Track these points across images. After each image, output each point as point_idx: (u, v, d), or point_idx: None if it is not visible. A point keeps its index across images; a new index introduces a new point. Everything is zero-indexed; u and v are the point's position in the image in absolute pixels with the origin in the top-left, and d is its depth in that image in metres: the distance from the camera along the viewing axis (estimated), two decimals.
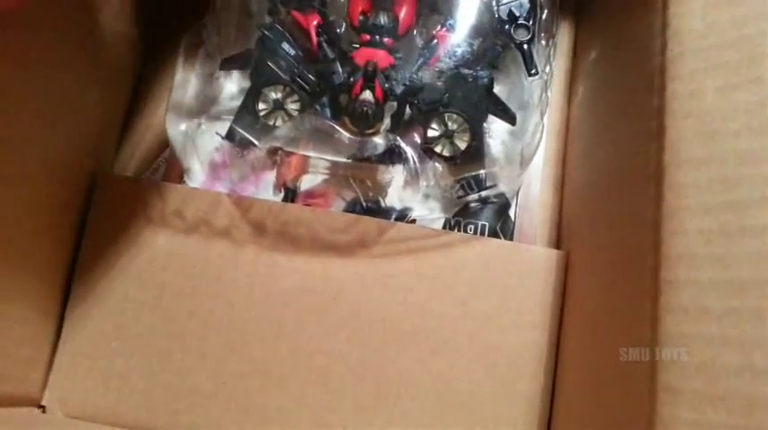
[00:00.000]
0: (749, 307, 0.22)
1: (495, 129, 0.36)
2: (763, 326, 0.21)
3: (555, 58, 0.35)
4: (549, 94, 0.34)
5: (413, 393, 0.33)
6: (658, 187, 0.25)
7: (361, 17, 0.35)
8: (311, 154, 0.35)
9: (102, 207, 0.34)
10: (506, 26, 0.34)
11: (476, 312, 0.33)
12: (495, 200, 0.37)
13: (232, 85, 0.37)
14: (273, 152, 0.35)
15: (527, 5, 0.34)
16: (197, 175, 0.35)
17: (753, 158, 0.23)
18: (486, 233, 0.36)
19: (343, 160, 0.35)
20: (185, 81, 0.36)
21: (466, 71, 0.34)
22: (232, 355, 0.32)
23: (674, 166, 0.25)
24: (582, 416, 0.30)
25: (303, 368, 0.32)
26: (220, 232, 0.33)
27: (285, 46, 0.35)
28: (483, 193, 0.36)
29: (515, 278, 0.34)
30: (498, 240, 0.35)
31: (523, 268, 0.34)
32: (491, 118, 0.35)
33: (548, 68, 0.34)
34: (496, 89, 0.35)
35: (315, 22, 0.35)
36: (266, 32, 0.35)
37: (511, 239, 0.36)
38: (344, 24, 0.35)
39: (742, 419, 0.21)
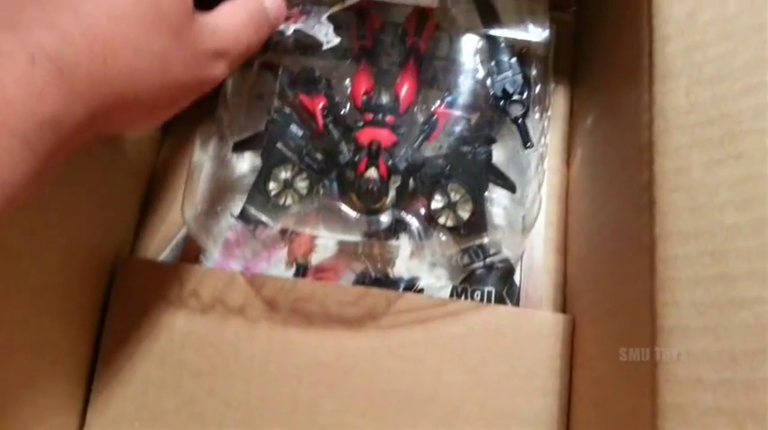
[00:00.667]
0: (741, 378, 0.22)
1: (497, 197, 0.37)
2: (756, 398, 0.22)
3: (549, 128, 0.37)
4: (545, 164, 0.35)
5: None
6: (651, 259, 0.26)
7: (364, 97, 0.37)
8: (320, 232, 0.36)
9: (123, 290, 0.35)
10: (501, 102, 0.35)
11: (486, 380, 0.34)
12: (499, 265, 0.37)
13: (244, 166, 0.39)
14: (285, 230, 0.37)
15: (520, 82, 0.35)
16: (212, 255, 0.37)
17: (738, 233, 0.24)
18: (493, 299, 0.37)
19: (351, 238, 0.36)
20: (200, 164, 0.37)
21: (467, 142, 0.36)
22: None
23: (665, 239, 0.25)
24: None
25: None
26: (235, 310, 0.34)
27: (293, 128, 0.37)
28: (488, 260, 0.37)
29: (524, 344, 0.35)
30: (505, 307, 0.36)
31: (531, 334, 0.35)
32: (492, 186, 0.37)
33: (542, 140, 0.35)
34: (496, 158, 0.37)
35: (321, 105, 0.37)
36: (275, 115, 0.37)
37: (517, 304, 0.37)
38: (349, 105, 0.37)
39: None
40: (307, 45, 0.37)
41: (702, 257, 0.24)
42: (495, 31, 0.36)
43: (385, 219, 0.35)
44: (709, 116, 0.26)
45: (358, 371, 0.34)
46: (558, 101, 0.41)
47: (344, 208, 0.35)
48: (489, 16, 0.37)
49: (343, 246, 0.37)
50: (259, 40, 0.30)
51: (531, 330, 0.35)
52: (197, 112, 0.38)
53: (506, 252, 0.37)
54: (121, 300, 0.35)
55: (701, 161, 0.25)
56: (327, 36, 0.35)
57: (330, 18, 0.35)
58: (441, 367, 0.34)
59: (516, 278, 0.38)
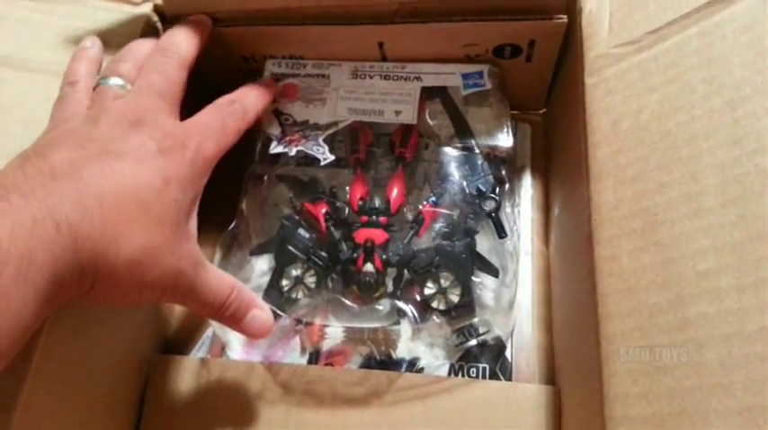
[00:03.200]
0: None
1: (483, 280, 0.42)
2: None
3: (520, 219, 0.42)
4: (519, 250, 0.40)
5: None
6: (596, 336, 0.30)
7: (360, 202, 0.42)
8: (328, 322, 0.41)
9: (158, 385, 0.41)
10: (477, 200, 0.41)
11: None
12: (492, 343, 0.42)
13: (262, 265, 0.45)
14: (298, 321, 0.42)
15: (492, 181, 0.41)
16: (235, 347, 0.42)
17: (659, 310, 0.28)
18: (488, 374, 0.41)
19: (356, 325, 0.41)
20: (223, 268, 0.43)
21: (451, 236, 0.41)
22: None
23: (605, 318, 0.30)
24: None
25: None
26: (255, 395, 0.39)
27: (301, 231, 0.43)
28: (480, 339, 0.41)
29: (515, 416, 0.38)
30: (496, 382, 0.40)
31: (521, 406, 0.38)
32: (478, 271, 0.41)
33: (515, 230, 0.40)
34: (480, 247, 0.42)
35: (323, 211, 0.43)
36: (285, 222, 0.43)
37: (510, 378, 0.41)
38: (347, 209, 0.43)
39: None
40: (313, 157, 0.43)
41: (633, 332, 0.28)
42: (467, 141, 0.42)
43: (384, 307, 0.40)
44: (632, 210, 0.30)
45: None
46: (537, 191, 0.46)
47: (347, 301, 0.40)
48: (462, 129, 0.43)
49: (350, 332, 0.42)
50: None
51: (521, 402, 0.38)
52: (215, 225, 0.45)
53: (497, 330, 0.41)
54: (156, 393, 0.41)
55: (629, 249, 0.30)
56: (324, 154, 0.41)
57: (325, 140, 0.41)
58: None
59: (508, 354, 0.42)
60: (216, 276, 0.34)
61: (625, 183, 0.31)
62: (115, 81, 0.35)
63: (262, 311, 0.35)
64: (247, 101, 0.39)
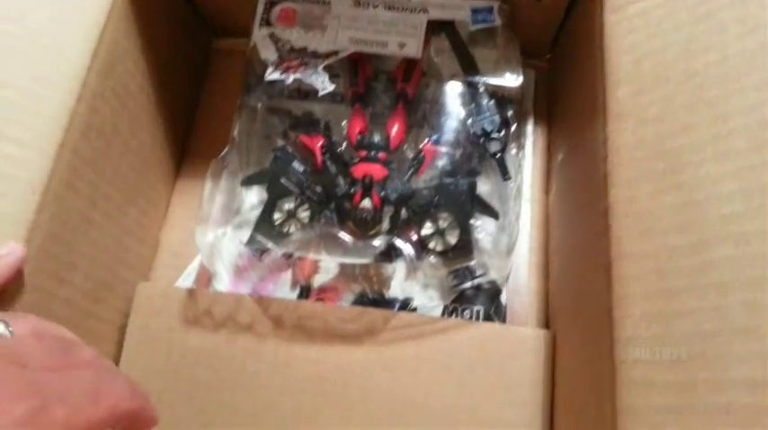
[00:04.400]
0: (684, 380, 0.25)
1: (483, 224, 0.41)
2: (697, 396, 0.25)
3: (524, 162, 0.40)
4: (523, 194, 0.39)
5: None
6: (608, 278, 0.29)
7: (358, 137, 0.41)
8: (321, 257, 0.40)
9: (141, 313, 0.39)
10: (481, 140, 0.39)
11: (473, 391, 0.37)
12: (487, 286, 0.41)
13: (252, 198, 0.43)
14: (289, 255, 0.41)
15: (497, 122, 0.39)
16: (223, 279, 0.41)
17: (679, 253, 0.27)
18: (481, 317, 0.40)
19: (350, 261, 0.40)
20: (212, 197, 0.41)
21: (453, 175, 0.40)
22: None
23: (619, 260, 0.29)
24: None
25: None
26: (244, 328, 0.38)
27: (295, 164, 0.41)
28: (476, 281, 0.40)
29: (508, 358, 0.38)
30: (491, 324, 0.39)
31: (515, 349, 0.38)
32: (478, 214, 0.40)
33: (519, 174, 0.39)
34: (481, 190, 0.41)
35: (320, 144, 0.41)
36: (279, 154, 0.41)
37: (504, 322, 0.41)
38: (345, 143, 0.41)
39: None
40: (306, 91, 0.41)
41: (650, 275, 0.28)
42: (474, 78, 0.41)
43: (380, 244, 0.39)
44: (654, 151, 0.29)
45: (356, 383, 0.37)
46: (537, 138, 0.45)
47: (343, 234, 0.39)
48: (468, 65, 0.41)
49: (342, 268, 0.41)
50: None
51: (515, 345, 0.38)
52: (208, 151, 0.42)
53: (493, 274, 0.41)
54: (139, 322, 0.39)
55: (648, 191, 0.29)
56: (323, 84, 0.39)
57: (325, 68, 0.39)
58: (432, 379, 0.37)
59: (503, 298, 0.41)
60: None
61: (647, 123, 0.30)
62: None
63: None
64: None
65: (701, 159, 0.28)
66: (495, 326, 0.39)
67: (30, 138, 0.31)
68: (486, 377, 0.37)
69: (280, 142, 0.42)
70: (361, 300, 0.41)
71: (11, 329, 0.27)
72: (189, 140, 0.47)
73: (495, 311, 0.41)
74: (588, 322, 0.33)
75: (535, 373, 0.37)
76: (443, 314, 0.41)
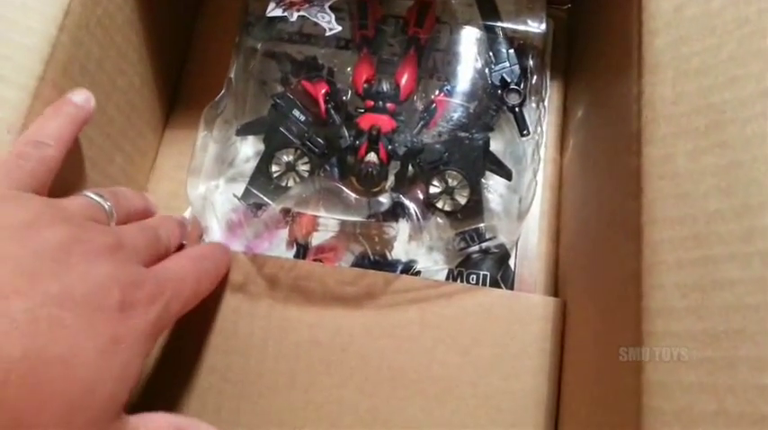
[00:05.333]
0: (722, 356, 0.23)
1: (493, 184, 0.39)
2: (735, 375, 0.23)
3: (546, 117, 0.38)
4: (541, 152, 0.36)
5: None
6: (638, 244, 0.27)
7: (365, 85, 0.38)
8: (321, 214, 0.37)
9: None
10: (499, 91, 0.37)
11: (478, 360, 0.35)
12: (495, 251, 0.39)
13: (247, 150, 0.40)
14: (286, 211, 0.38)
15: (518, 72, 0.36)
16: (215, 234, 0.38)
17: (720, 218, 0.25)
18: (488, 282, 0.38)
19: (352, 218, 0.37)
20: (204, 147, 0.38)
21: (463, 134, 0.37)
22: (247, 408, 0.34)
23: (651, 225, 0.27)
24: None
25: (315, 418, 0.34)
26: (236, 287, 0.36)
27: (296, 113, 0.38)
28: (483, 245, 0.38)
29: (516, 326, 0.36)
30: (498, 290, 0.37)
31: (523, 316, 0.36)
32: (489, 174, 0.38)
33: (539, 129, 0.36)
34: (493, 147, 0.38)
35: (323, 91, 0.38)
36: (278, 101, 0.38)
37: (511, 288, 0.38)
38: (350, 92, 0.38)
39: None
40: (309, 34, 0.38)
41: (686, 241, 0.25)
42: (493, 24, 0.37)
43: (384, 201, 0.37)
44: (695, 106, 0.27)
45: (354, 348, 0.35)
46: (553, 93, 0.42)
47: (345, 189, 0.36)
48: (488, 9, 0.38)
49: (343, 227, 0.38)
50: None
51: (523, 312, 0.36)
52: (201, 96, 0.39)
53: (502, 238, 0.38)
54: None
55: (687, 150, 0.26)
56: (330, 23, 0.36)
57: (332, 7, 0.36)
58: (434, 346, 0.35)
59: (511, 263, 0.39)
60: None
61: (688, 75, 0.27)
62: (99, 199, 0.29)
63: None
64: (218, 258, 0.34)
65: (748, 116, 0.25)
66: (502, 292, 0.37)
67: (7, 71, 0.28)
68: (492, 345, 0.35)
69: (278, 88, 0.39)
70: (362, 262, 0.39)
71: (114, 214, 0.30)
72: (179, 86, 0.44)
73: (503, 277, 0.39)
74: (608, 291, 0.30)
75: (544, 343, 0.36)
76: (448, 278, 0.38)
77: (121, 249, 0.26)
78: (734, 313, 0.23)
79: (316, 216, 0.38)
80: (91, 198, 0.29)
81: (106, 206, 0.29)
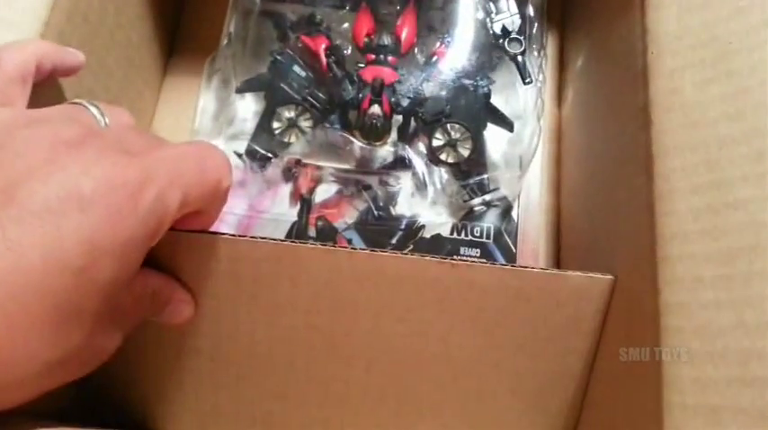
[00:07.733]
0: (738, 272, 0.24)
1: (495, 136, 0.39)
2: (752, 288, 0.24)
3: (547, 65, 0.38)
4: (543, 99, 0.37)
5: (435, 412, 0.31)
6: (649, 174, 0.27)
7: (365, 39, 0.38)
8: (324, 168, 0.37)
9: None
10: (500, 40, 0.37)
11: (502, 342, 0.30)
12: (498, 203, 0.39)
13: (247, 107, 0.40)
14: (289, 168, 0.38)
15: (518, 21, 0.37)
16: None
17: (731, 141, 0.25)
18: (492, 234, 0.38)
19: (355, 172, 0.37)
20: (205, 105, 0.38)
21: (467, 81, 0.37)
22: (249, 385, 0.31)
23: (662, 155, 0.27)
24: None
25: (321, 394, 0.31)
26: (221, 271, 0.29)
27: (296, 68, 0.38)
28: (487, 197, 0.38)
29: (551, 308, 0.30)
30: (534, 269, 0.30)
31: (562, 298, 0.30)
32: (491, 126, 0.38)
33: (540, 76, 0.37)
34: (493, 99, 0.38)
35: (323, 45, 0.38)
36: (278, 57, 0.38)
37: (515, 239, 0.39)
38: (350, 47, 0.38)
39: (738, 371, 0.23)
40: None
41: (698, 167, 0.26)
42: None
43: (389, 150, 0.37)
44: (700, 39, 0.27)
45: (359, 332, 0.30)
46: (549, 44, 0.42)
47: (349, 138, 0.36)
48: None
49: (346, 183, 0.38)
50: None
51: (562, 293, 0.30)
52: (200, 54, 0.39)
53: (504, 190, 0.39)
54: None
55: (694, 81, 0.27)
56: None
57: None
58: (453, 328, 0.30)
59: (514, 215, 0.40)
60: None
61: (691, 10, 0.28)
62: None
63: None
64: (220, 153, 0.27)
65: (753, 44, 0.26)
66: (533, 272, 0.30)
67: (13, 16, 0.28)
68: (520, 327, 0.30)
69: (277, 44, 0.39)
70: (366, 217, 0.39)
71: (107, 120, 0.26)
72: (175, 45, 0.43)
73: (506, 229, 0.39)
74: (618, 227, 0.31)
75: (581, 324, 0.30)
76: (452, 232, 0.38)
77: (96, 136, 0.22)
78: (748, 230, 0.24)
79: (319, 168, 0.37)
80: (79, 104, 0.26)
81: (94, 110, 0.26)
